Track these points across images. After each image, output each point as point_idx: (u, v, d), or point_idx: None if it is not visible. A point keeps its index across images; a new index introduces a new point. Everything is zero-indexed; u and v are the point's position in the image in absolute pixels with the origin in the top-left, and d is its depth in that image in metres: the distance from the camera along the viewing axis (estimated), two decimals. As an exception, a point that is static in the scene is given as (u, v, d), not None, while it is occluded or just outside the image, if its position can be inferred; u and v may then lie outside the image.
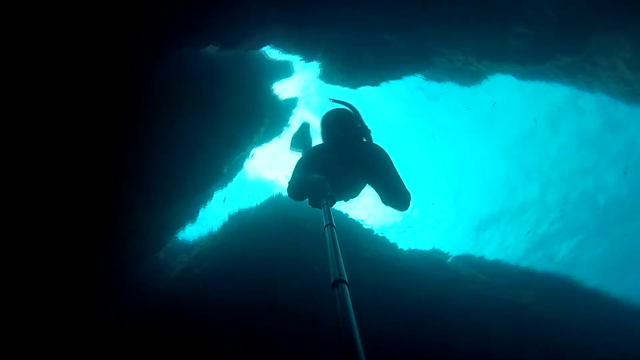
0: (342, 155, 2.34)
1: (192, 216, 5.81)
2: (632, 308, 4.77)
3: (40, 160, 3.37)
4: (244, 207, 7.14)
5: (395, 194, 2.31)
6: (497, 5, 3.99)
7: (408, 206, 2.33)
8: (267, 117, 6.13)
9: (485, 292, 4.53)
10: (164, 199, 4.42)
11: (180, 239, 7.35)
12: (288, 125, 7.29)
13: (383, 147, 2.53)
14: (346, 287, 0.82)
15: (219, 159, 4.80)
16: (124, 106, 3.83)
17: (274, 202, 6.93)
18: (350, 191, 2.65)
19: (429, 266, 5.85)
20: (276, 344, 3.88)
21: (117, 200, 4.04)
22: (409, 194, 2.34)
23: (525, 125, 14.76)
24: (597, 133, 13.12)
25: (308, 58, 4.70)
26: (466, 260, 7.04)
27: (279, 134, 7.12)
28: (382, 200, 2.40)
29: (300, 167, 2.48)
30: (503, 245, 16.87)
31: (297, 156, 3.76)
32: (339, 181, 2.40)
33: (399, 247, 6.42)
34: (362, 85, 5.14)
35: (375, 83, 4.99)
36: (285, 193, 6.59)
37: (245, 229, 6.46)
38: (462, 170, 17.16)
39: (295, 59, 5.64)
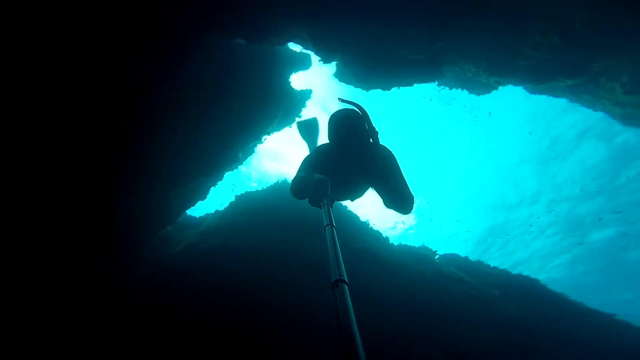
0: (348, 155, 2.34)
1: (203, 194, 6.25)
2: (590, 311, 5.39)
3: (63, 131, 3.67)
4: (250, 190, 7.62)
5: (397, 197, 2.28)
6: (510, 28, 4.26)
7: (410, 210, 2.32)
8: (282, 109, 6.47)
9: (460, 288, 5.09)
10: (181, 178, 4.85)
11: (187, 214, 7.86)
12: (300, 116, 7.62)
13: (390, 150, 2.49)
14: (346, 286, 0.83)
15: (236, 145, 5.18)
16: (152, 89, 4.17)
17: (280, 188, 7.38)
18: (354, 192, 2.64)
19: (415, 261, 6.43)
20: (274, 324, 4.39)
21: (133, 175, 4.45)
22: (412, 197, 2.32)
23: (536, 141, 15.05)
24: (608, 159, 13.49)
25: (325, 59, 4.98)
26: (451, 259, 7.62)
27: (290, 124, 7.46)
28: (384, 203, 2.38)
29: (305, 166, 2.47)
30: (501, 251, 17.69)
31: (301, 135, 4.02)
32: (344, 181, 2.41)
33: (390, 242, 6.97)
34: (374, 89, 5.45)
35: (386, 88, 5.29)
36: (289, 179, 7.04)
37: (250, 210, 6.95)
38: (468, 179, 17.54)
39: (313, 57, 5.92)
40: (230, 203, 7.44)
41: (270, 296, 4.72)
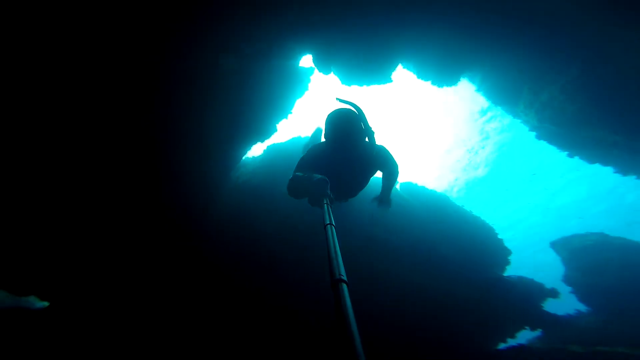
0: (343, 154, 2.33)
1: (250, 147, 10.20)
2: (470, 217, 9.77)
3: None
4: (275, 142, 11.47)
5: (382, 199, 2.48)
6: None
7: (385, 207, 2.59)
8: (297, 91, 9.75)
9: (396, 200, 9.40)
10: (245, 141, 8.74)
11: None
12: (307, 89, 10.84)
13: (387, 149, 2.50)
14: (345, 286, 0.85)
15: (274, 120, 8.86)
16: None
17: (297, 141, 11.19)
18: (350, 190, 2.66)
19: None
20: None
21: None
22: (390, 204, 2.64)
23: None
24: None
25: (324, 72, 8.18)
26: (406, 186, 11.83)
27: (300, 95, 10.77)
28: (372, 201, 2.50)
29: (301, 166, 2.47)
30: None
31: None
32: (340, 179, 2.42)
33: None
34: (354, 84, 8.70)
35: (360, 85, 8.56)
36: (301, 136, 10.81)
37: (279, 156, 10.97)
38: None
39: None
40: (264, 151, 11.44)
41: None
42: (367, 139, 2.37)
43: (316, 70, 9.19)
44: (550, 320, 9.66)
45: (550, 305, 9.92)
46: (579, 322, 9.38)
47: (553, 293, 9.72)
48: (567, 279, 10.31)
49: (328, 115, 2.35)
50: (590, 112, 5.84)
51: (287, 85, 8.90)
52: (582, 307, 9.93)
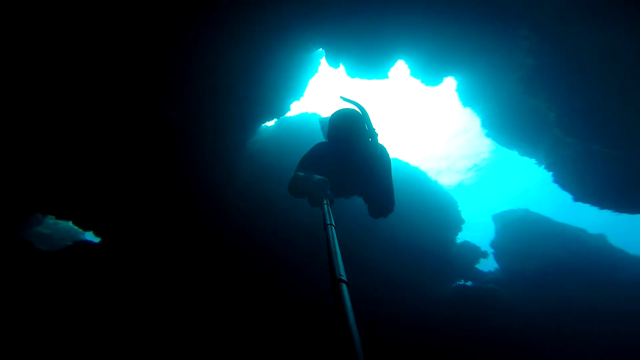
0: (345, 154, 2.37)
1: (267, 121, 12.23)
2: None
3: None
4: (286, 117, 13.47)
5: (382, 204, 2.45)
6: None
7: (387, 215, 2.50)
8: (308, 73, 11.66)
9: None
10: (265, 118, 10.78)
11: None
12: (317, 71, 12.73)
13: (387, 152, 2.55)
14: (346, 286, 0.87)
15: (289, 102, 10.87)
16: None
17: (304, 116, 13.27)
18: (352, 190, 2.72)
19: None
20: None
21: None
22: (393, 204, 2.49)
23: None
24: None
25: (334, 66, 10.20)
26: (397, 164, 14.42)
27: (311, 76, 12.69)
28: (369, 212, 2.53)
29: (302, 165, 2.49)
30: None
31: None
32: (341, 180, 2.45)
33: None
34: (357, 77, 10.78)
35: (363, 77, 10.66)
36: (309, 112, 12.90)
37: (288, 128, 13.05)
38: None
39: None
40: (275, 122, 13.48)
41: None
42: (370, 140, 2.42)
43: (326, 62, 11.10)
44: (477, 274, 13.05)
45: (481, 264, 13.33)
46: (491, 276, 12.93)
47: (484, 254, 13.01)
48: (493, 244, 13.70)
49: (331, 115, 2.43)
50: (506, 126, 8.37)
51: (301, 72, 10.85)
52: (497, 266, 13.55)
